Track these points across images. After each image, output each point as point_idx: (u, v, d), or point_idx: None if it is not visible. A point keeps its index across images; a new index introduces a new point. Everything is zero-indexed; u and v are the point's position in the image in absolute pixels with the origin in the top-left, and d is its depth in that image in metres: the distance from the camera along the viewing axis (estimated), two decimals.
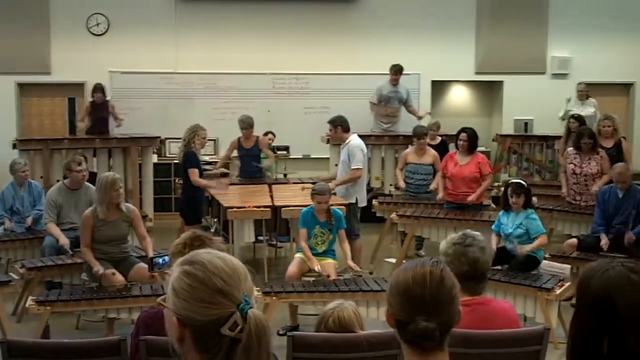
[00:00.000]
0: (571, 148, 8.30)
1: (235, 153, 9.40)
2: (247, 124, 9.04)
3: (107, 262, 6.08)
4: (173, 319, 1.58)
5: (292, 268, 6.55)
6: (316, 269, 6.38)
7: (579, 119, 9.62)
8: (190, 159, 7.88)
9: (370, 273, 7.71)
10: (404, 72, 10.86)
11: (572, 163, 8.13)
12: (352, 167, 7.81)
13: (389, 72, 10.78)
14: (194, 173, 7.80)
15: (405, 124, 10.61)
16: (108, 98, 10.37)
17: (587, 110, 10.86)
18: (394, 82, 10.78)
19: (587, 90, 11.07)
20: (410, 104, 10.96)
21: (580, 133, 8.33)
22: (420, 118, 10.74)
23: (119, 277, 5.98)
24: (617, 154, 8.32)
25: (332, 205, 6.79)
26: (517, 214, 6.57)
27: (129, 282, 6.06)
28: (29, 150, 9.36)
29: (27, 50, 10.82)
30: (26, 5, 10.84)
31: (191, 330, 1.56)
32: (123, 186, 6.25)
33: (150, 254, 6.03)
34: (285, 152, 11.03)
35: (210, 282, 1.56)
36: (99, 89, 10.24)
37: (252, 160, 9.19)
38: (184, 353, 1.60)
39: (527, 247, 6.41)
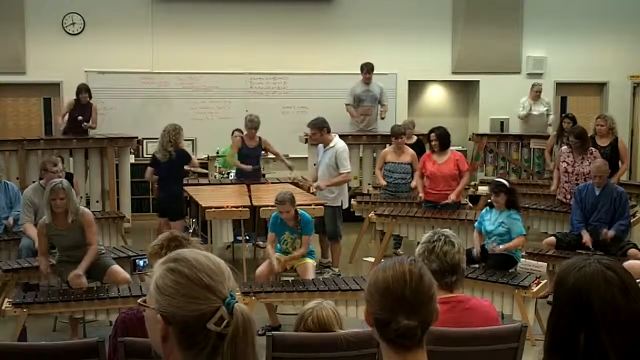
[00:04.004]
0: (566, 147, 8.26)
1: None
2: (256, 124, 9.06)
3: (76, 265, 5.95)
4: (157, 317, 1.58)
5: (262, 267, 6.54)
6: (275, 268, 6.38)
7: (573, 118, 9.74)
8: (183, 156, 8.07)
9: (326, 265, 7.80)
10: (381, 72, 10.84)
11: (565, 161, 8.05)
12: (343, 171, 7.88)
13: (360, 72, 10.71)
14: (148, 171, 8.04)
15: (385, 123, 10.61)
16: (91, 100, 10.21)
17: (539, 109, 11.30)
18: (367, 81, 10.72)
19: (541, 91, 11.39)
20: (385, 102, 10.86)
21: (570, 132, 8.39)
22: (382, 118, 10.78)
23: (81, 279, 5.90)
24: (611, 153, 8.32)
25: (315, 204, 6.72)
26: (500, 212, 6.54)
27: (104, 284, 6.00)
28: (4, 151, 9.26)
29: (1, 50, 10.71)
30: (0, 5, 10.72)
31: (176, 328, 1.57)
32: (66, 197, 5.85)
33: (86, 262, 5.84)
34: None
35: (196, 277, 1.57)
36: (85, 89, 10.05)
37: (254, 160, 9.18)
38: (166, 353, 1.60)
39: (501, 247, 6.42)
